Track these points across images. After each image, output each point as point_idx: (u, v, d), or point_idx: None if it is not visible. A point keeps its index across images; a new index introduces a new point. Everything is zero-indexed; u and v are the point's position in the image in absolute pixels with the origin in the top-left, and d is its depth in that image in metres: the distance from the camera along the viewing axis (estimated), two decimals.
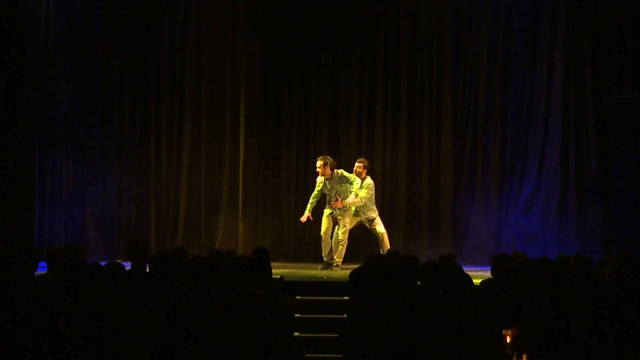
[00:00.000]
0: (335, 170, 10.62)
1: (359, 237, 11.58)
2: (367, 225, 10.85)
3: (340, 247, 10.59)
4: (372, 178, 10.80)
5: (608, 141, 11.40)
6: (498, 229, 11.96)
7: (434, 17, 12.13)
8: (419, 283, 5.68)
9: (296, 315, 7.95)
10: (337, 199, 10.57)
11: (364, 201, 10.55)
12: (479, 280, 6.65)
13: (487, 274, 8.30)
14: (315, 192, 10.72)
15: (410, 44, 12.17)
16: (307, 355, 7.43)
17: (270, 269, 6.70)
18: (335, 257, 10.59)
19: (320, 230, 10.78)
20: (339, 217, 10.63)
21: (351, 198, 10.50)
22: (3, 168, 11.31)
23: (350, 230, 10.83)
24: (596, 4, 11.74)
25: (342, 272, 10.18)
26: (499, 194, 12.02)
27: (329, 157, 10.66)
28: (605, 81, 11.69)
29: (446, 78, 12.12)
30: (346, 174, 10.64)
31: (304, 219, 10.75)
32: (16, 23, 11.56)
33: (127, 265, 6.10)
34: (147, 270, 6.10)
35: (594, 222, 11.63)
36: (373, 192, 10.71)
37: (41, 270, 6.50)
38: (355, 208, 10.69)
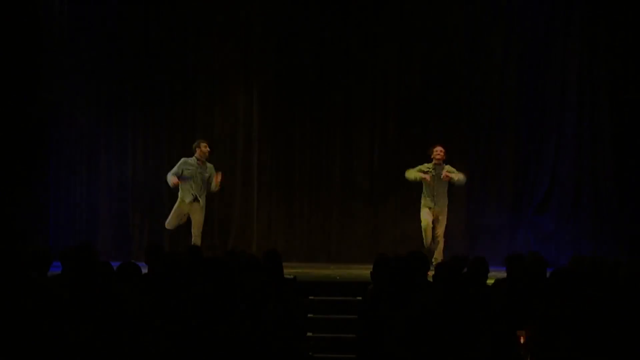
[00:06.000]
0: None
1: (368, 236, 11.67)
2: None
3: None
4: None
5: (624, 141, 11.34)
6: (512, 228, 11.92)
7: (449, 15, 12.10)
8: (430, 279, 5.68)
9: (309, 315, 7.95)
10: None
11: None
12: (492, 280, 6.63)
13: (501, 274, 8.29)
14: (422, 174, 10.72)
15: (424, 50, 12.16)
16: (320, 355, 7.43)
17: (282, 270, 6.71)
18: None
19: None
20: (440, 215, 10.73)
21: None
22: (18, 169, 11.37)
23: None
24: (612, 1, 11.67)
25: (355, 272, 10.19)
26: (513, 194, 11.98)
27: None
28: (621, 81, 11.60)
29: (459, 77, 12.11)
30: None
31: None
32: (30, 24, 11.61)
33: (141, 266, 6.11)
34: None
35: (609, 222, 11.55)
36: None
37: (55, 270, 6.52)
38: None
